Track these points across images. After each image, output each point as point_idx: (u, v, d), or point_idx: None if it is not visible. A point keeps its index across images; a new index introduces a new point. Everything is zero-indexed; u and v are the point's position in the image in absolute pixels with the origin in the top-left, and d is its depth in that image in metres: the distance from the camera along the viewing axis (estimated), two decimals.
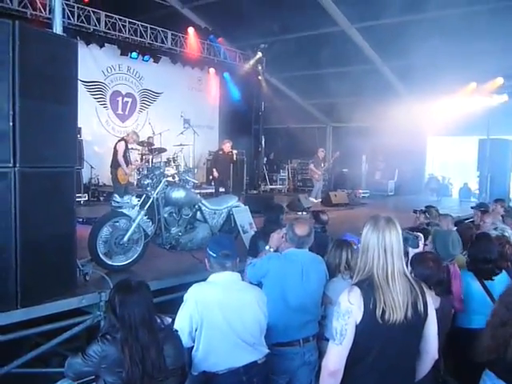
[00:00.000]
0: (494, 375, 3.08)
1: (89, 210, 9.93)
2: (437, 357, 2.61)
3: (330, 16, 13.86)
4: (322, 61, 14.89)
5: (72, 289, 4.61)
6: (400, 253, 2.46)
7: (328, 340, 2.52)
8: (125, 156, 9.33)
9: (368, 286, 2.37)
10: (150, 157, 12.52)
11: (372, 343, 2.39)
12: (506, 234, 5.61)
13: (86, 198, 12.03)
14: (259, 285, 3.64)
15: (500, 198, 8.72)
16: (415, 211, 7.05)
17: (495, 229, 5.87)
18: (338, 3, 13.52)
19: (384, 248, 2.41)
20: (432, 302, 2.56)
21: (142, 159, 12.39)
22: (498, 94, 14.28)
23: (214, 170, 12.17)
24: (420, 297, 2.44)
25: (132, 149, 12.43)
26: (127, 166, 9.34)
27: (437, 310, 2.68)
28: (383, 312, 2.32)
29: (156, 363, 2.68)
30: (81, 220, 7.71)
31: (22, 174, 4.02)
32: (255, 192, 16.27)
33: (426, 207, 7.03)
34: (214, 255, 3.24)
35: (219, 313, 3.06)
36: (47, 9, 11.10)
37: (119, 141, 9.58)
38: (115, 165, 9.39)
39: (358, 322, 2.35)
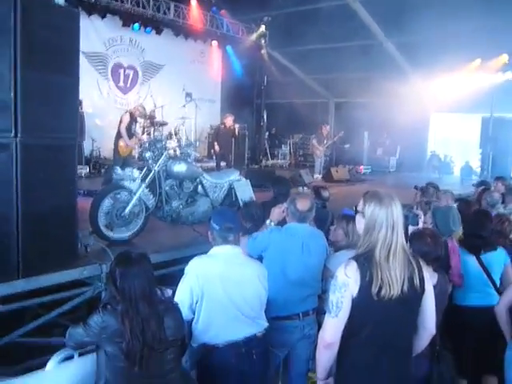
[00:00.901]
0: None
1: (90, 182, 9.95)
2: (434, 332, 2.63)
3: None
4: (326, 35, 14.69)
5: (73, 260, 4.64)
6: (402, 227, 2.47)
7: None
8: (129, 128, 9.27)
9: (365, 260, 2.38)
10: (152, 130, 12.47)
11: (367, 317, 2.41)
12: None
13: (88, 171, 12.04)
14: (259, 258, 3.66)
15: (501, 176, 8.70)
16: (416, 187, 7.07)
17: (492, 207, 5.89)
18: None
19: (392, 225, 2.41)
20: (429, 277, 2.57)
21: (143, 132, 12.32)
22: (503, 71, 14.14)
23: (216, 143, 12.13)
24: (417, 272, 2.45)
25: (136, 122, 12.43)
26: (130, 138, 9.30)
27: (434, 287, 2.70)
28: (379, 289, 2.33)
29: (156, 335, 2.71)
30: (82, 192, 7.72)
31: (24, 144, 4.02)
32: (256, 166, 16.25)
33: (427, 184, 7.04)
34: (218, 228, 3.25)
35: (220, 286, 3.08)
36: None
37: (125, 112, 9.54)
38: (117, 136, 9.39)
39: (354, 296, 2.37)
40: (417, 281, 2.44)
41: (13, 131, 3.94)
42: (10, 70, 3.86)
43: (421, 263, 2.53)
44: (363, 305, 2.37)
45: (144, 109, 9.94)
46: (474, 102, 14.34)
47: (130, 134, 9.34)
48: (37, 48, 4.07)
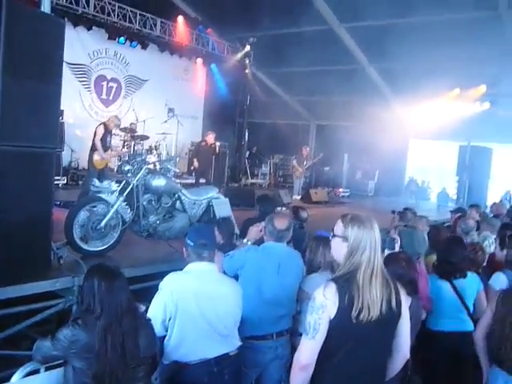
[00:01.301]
0: (506, 373, 3.15)
1: (67, 193, 9.83)
2: (408, 356, 2.63)
3: (319, 14, 13.90)
4: (310, 58, 14.88)
5: (46, 272, 4.56)
6: (380, 250, 2.49)
7: (302, 335, 2.53)
8: (103, 140, 9.12)
9: (345, 282, 2.37)
10: (132, 143, 12.42)
11: (344, 340, 2.39)
12: (489, 240, 5.70)
13: (65, 182, 11.91)
14: (235, 277, 3.64)
15: (476, 203, 8.85)
16: (393, 211, 7.14)
17: (466, 234, 5.97)
18: (328, 1, 13.56)
19: (375, 248, 2.43)
20: (406, 301, 2.58)
21: (124, 145, 12.26)
22: (481, 101, 14.47)
23: (195, 160, 12.12)
24: (394, 294, 2.46)
25: (114, 135, 12.35)
26: (106, 151, 9.16)
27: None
28: (359, 312, 2.33)
29: (132, 350, 2.67)
30: (58, 203, 7.62)
31: (1, 152, 3.96)
32: (236, 185, 16.25)
33: (404, 209, 7.12)
34: (192, 244, 3.23)
35: (194, 303, 3.05)
36: None
37: (99, 124, 9.42)
38: (92, 148, 9.28)
39: (331, 318, 2.35)
40: (394, 303, 2.44)
41: None
42: None
43: (398, 286, 2.54)
44: (340, 327, 2.35)
45: (119, 120, 9.81)
46: (452, 130, 14.63)
47: (106, 146, 9.19)
48: (20, 55, 4.04)
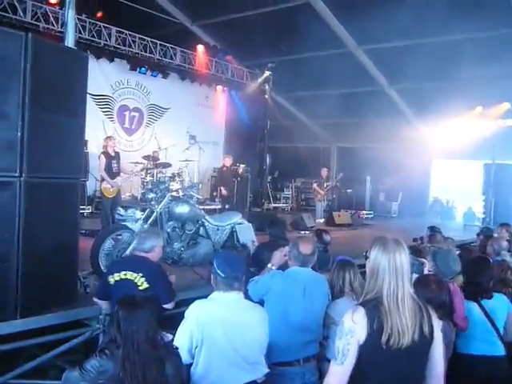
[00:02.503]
0: None
1: (92, 222, 9.92)
2: (442, 381, 2.56)
3: (337, 37, 14.01)
4: (329, 81, 14.99)
5: (72, 301, 4.60)
6: (409, 275, 2.43)
7: (329, 361, 2.49)
8: (109, 168, 9.16)
9: (373, 307, 2.33)
10: (155, 171, 12.55)
11: (374, 366, 2.34)
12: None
13: (90, 210, 12.06)
14: (261, 302, 3.61)
15: (506, 222, 8.67)
16: (415, 239, 7.06)
17: (498, 254, 5.84)
18: (346, 25, 13.67)
19: (395, 271, 2.37)
20: (438, 325, 2.52)
21: (146, 173, 12.39)
22: (504, 118, 14.31)
23: (222, 188, 12.23)
24: (426, 320, 2.40)
25: (137, 163, 12.51)
26: (113, 178, 9.21)
27: None
28: (389, 337, 2.28)
29: (157, 381, 2.65)
30: (84, 232, 7.71)
31: (28, 184, 4.04)
32: (258, 210, 16.25)
33: (429, 228, 7.03)
34: (223, 275, 3.14)
35: (220, 330, 3.03)
36: (60, 22, 11.26)
37: (100, 154, 9.46)
38: (101, 179, 9.40)
39: (360, 343, 2.31)
40: (426, 329, 2.38)
41: (17, 170, 3.97)
42: (18, 110, 3.93)
43: (430, 311, 2.48)
44: (370, 353, 2.30)
45: (112, 138, 9.84)
46: (476, 148, 14.48)
47: (112, 173, 9.21)
48: (45, 90, 4.15)
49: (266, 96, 17.28)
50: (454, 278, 4.40)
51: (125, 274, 3.93)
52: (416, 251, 4.92)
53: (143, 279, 3.91)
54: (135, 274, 3.92)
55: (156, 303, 2.93)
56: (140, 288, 3.88)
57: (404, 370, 2.37)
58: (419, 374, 2.46)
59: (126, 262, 4.31)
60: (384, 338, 2.27)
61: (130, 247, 5.38)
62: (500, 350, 4.02)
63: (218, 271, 3.17)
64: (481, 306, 4.13)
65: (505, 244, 6.10)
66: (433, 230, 7.07)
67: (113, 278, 3.97)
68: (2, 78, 3.90)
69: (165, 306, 3.99)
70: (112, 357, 2.66)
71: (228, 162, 12.65)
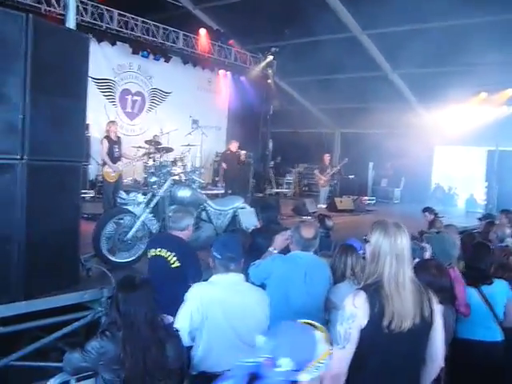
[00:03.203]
0: None
1: (94, 206, 9.93)
2: (442, 365, 2.58)
3: (341, 21, 13.88)
4: (333, 66, 14.90)
5: (74, 284, 4.62)
6: (410, 259, 2.43)
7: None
8: (111, 152, 9.15)
9: (374, 291, 2.33)
10: (158, 156, 12.53)
11: (376, 349, 2.35)
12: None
13: (92, 195, 12.05)
14: (262, 286, 3.62)
15: (507, 208, 8.65)
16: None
17: (501, 241, 5.84)
18: (350, 9, 13.54)
19: (396, 255, 2.37)
20: (438, 309, 2.52)
21: (149, 158, 12.38)
22: (508, 105, 14.22)
23: (224, 164, 12.27)
24: (427, 303, 2.40)
25: (140, 147, 12.48)
26: (115, 162, 9.21)
27: None
28: (390, 321, 2.28)
29: (158, 362, 2.67)
30: (86, 216, 7.72)
31: (30, 166, 4.03)
32: (261, 195, 16.25)
33: (425, 208, 7.18)
34: (219, 257, 3.22)
35: (221, 313, 3.04)
36: (61, 5, 11.17)
37: (103, 138, 9.44)
38: (103, 163, 9.39)
39: (362, 327, 2.32)
40: (427, 313, 2.39)
41: (19, 153, 3.96)
42: (19, 92, 3.91)
43: (431, 294, 2.48)
44: (372, 336, 2.32)
45: (116, 124, 9.83)
46: (479, 135, 14.41)
47: (114, 157, 9.21)
48: (46, 72, 4.12)
49: (269, 81, 17.17)
50: (453, 264, 4.41)
51: (160, 251, 4.23)
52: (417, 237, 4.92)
53: (175, 258, 4.15)
54: (169, 253, 4.19)
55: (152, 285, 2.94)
56: (172, 266, 4.14)
57: (405, 353, 2.38)
58: (419, 358, 2.48)
59: (163, 240, 4.55)
60: (385, 322, 2.28)
61: (132, 231, 5.40)
62: (498, 336, 4.04)
63: (215, 253, 3.24)
64: (480, 292, 4.14)
65: (508, 231, 6.10)
66: (427, 210, 7.24)
67: (149, 253, 4.36)
68: (3, 60, 3.87)
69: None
70: (113, 338, 2.68)
71: (234, 146, 12.69)
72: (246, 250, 4.44)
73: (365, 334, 2.32)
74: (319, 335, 1.74)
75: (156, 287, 3.58)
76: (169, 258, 4.17)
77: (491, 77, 12.91)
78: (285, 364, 1.56)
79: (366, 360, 2.36)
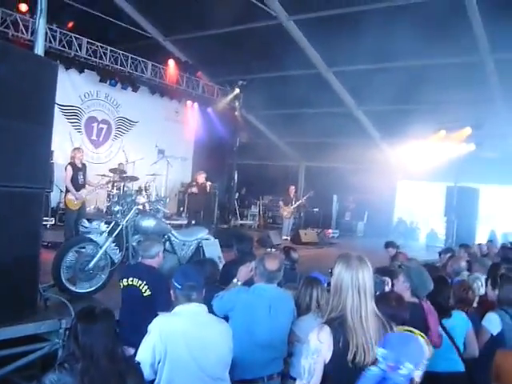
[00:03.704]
0: None
1: (55, 234, 9.71)
2: None
3: (308, 58, 14.21)
4: (299, 101, 15.21)
5: (32, 314, 4.48)
6: (372, 292, 2.45)
7: (293, 379, 2.48)
8: (75, 179, 8.99)
9: (339, 325, 2.33)
10: (122, 184, 12.41)
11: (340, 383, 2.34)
12: (478, 282, 5.66)
13: (53, 222, 11.80)
14: (226, 318, 3.59)
15: (465, 243, 8.87)
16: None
17: (457, 274, 5.95)
18: (317, 46, 13.89)
19: (358, 288, 2.38)
20: None
21: (113, 186, 12.24)
22: (467, 142, 14.71)
23: (194, 188, 12.30)
24: None
25: (104, 175, 12.33)
26: (79, 190, 9.05)
27: None
28: (355, 355, 2.28)
29: None
30: (46, 244, 7.54)
31: None
32: (225, 226, 16.21)
33: (387, 243, 7.26)
34: (180, 287, 3.17)
35: (184, 345, 2.99)
36: (30, 31, 11.11)
37: (67, 165, 9.28)
38: (66, 190, 9.21)
39: (326, 362, 2.30)
40: None
41: None
42: None
43: (394, 328, 2.50)
44: (336, 371, 2.31)
45: (80, 149, 9.68)
46: (440, 171, 14.83)
47: (78, 185, 9.03)
48: (9, 95, 4.07)
49: (236, 113, 17.35)
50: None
51: (131, 280, 4.28)
52: (381, 271, 4.96)
53: (146, 287, 4.19)
54: (140, 282, 4.24)
55: (114, 317, 2.88)
56: (144, 295, 4.17)
57: None
58: None
59: (134, 269, 4.63)
60: (350, 356, 2.27)
61: (94, 260, 5.30)
62: (460, 367, 4.09)
63: (175, 283, 3.20)
64: (441, 325, 4.19)
65: (463, 264, 6.23)
66: (389, 245, 7.39)
67: (122, 284, 4.37)
68: None
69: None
70: (71, 371, 2.58)
71: (201, 178, 12.66)
72: (214, 280, 4.42)
73: (329, 368, 2.31)
74: (421, 339, 2.24)
75: (129, 317, 3.51)
76: (140, 287, 4.21)
77: (450, 115, 13.38)
78: (407, 367, 1.89)
79: None
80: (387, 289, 4.37)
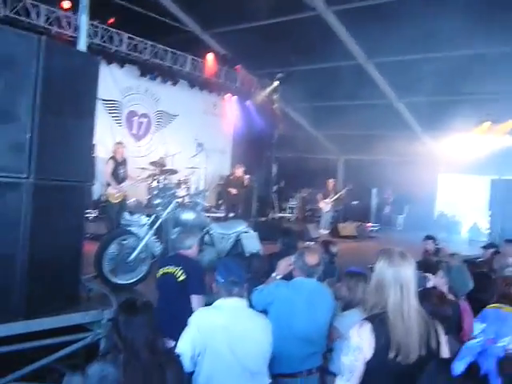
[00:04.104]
0: None
1: (97, 226, 9.92)
2: None
3: (347, 49, 14.02)
4: (338, 93, 15.00)
5: (75, 304, 4.58)
6: (414, 289, 2.39)
7: (333, 374, 2.45)
8: (115, 173, 9.19)
9: (380, 322, 2.28)
10: (162, 177, 12.54)
11: (381, 382, 2.29)
12: None
13: (95, 215, 12.05)
14: (264, 312, 3.58)
15: (510, 238, 8.60)
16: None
17: (503, 270, 5.79)
18: (356, 37, 13.68)
19: (400, 285, 2.33)
20: (445, 340, 2.47)
21: (153, 179, 12.39)
22: (511, 134, 14.26)
23: (233, 189, 12.24)
24: (433, 334, 2.35)
25: (144, 169, 12.51)
26: (120, 183, 9.23)
27: None
28: (396, 353, 2.23)
29: None
30: (88, 236, 7.70)
31: (35, 186, 4.05)
32: (264, 219, 16.20)
33: (427, 236, 7.04)
34: (222, 281, 3.20)
35: (223, 339, 3.00)
36: (72, 27, 11.35)
37: (108, 159, 9.48)
38: (107, 184, 9.42)
39: (367, 359, 2.26)
40: (434, 345, 2.34)
41: (25, 172, 3.98)
42: (28, 112, 3.94)
43: (438, 326, 2.43)
44: (377, 369, 2.26)
45: (123, 145, 9.85)
46: (483, 164, 14.44)
47: (119, 178, 9.23)
48: (56, 92, 4.16)
49: (275, 106, 17.30)
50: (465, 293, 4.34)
51: (167, 268, 4.33)
52: (422, 265, 4.87)
53: (181, 271, 4.23)
54: (176, 267, 4.29)
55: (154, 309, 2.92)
56: (178, 280, 4.21)
57: None
58: None
59: (171, 258, 4.67)
60: (391, 354, 2.22)
61: (135, 252, 5.38)
62: None
63: (218, 277, 3.23)
64: None
65: (510, 260, 6.06)
66: (429, 238, 7.24)
67: (158, 274, 4.45)
68: (14, 80, 3.91)
69: (193, 297, 4.11)
70: (114, 362, 2.64)
71: (239, 171, 12.70)
72: (262, 275, 4.44)
73: (370, 366, 2.26)
74: None
75: (165, 306, 3.56)
76: (175, 273, 4.25)
77: (495, 106, 12.98)
78: (506, 340, 1.95)
79: None
80: (429, 284, 4.28)
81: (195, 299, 4.10)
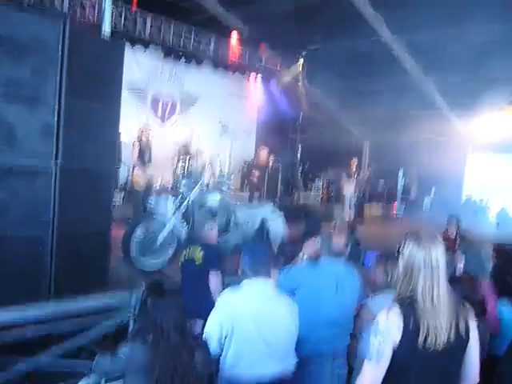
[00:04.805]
0: None
1: (123, 209, 10.01)
2: (477, 383, 2.47)
3: (373, 28, 13.73)
4: (364, 73, 14.76)
5: (104, 286, 4.65)
6: (445, 271, 2.33)
7: (361, 357, 2.43)
8: (141, 157, 9.22)
9: (409, 306, 2.24)
10: (187, 159, 12.58)
11: (410, 367, 2.25)
12: None
13: (121, 198, 12.17)
14: (291, 293, 3.58)
15: None
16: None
17: None
18: (382, 13, 13.38)
19: (431, 268, 2.27)
20: (474, 324, 2.42)
21: (178, 160, 12.44)
22: None
23: (256, 171, 12.22)
24: (463, 319, 2.31)
25: (169, 151, 12.55)
26: (145, 167, 9.25)
27: None
28: (426, 338, 2.19)
29: (188, 368, 2.65)
30: (115, 219, 7.78)
31: (63, 169, 4.10)
32: (289, 200, 16.17)
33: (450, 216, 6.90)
34: (248, 262, 3.20)
35: (250, 321, 3.01)
36: (96, 11, 11.37)
37: (134, 142, 9.51)
38: (132, 167, 9.47)
39: (396, 343, 2.23)
40: (463, 328, 2.29)
41: (53, 155, 4.02)
42: (55, 96, 3.98)
43: (469, 310, 2.38)
44: (406, 353, 2.22)
45: (148, 129, 9.86)
46: None
47: (145, 162, 9.27)
48: (82, 77, 4.19)
49: (299, 84, 17.13)
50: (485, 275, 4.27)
51: (189, 250, 4.50)
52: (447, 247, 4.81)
53: (200, 248, 4.40)
54: (196, 246, 4.46)
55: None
56: (197, 263, 4.36)
57: (439, 372, 2.28)
58: (455, 376, 2.37)
59: (191, 240, 4.88)
60: (420, 339, 2.18)
61: (161, 235, 5.43)
62: None
63: (244, 259, 3.23)
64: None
65: None
66: (452, 218, 7.11)
67: (181, 259, 4.58)
68: (40, 64, 3.94)
69: (211, 273, 4.25)
70: (143, 343, 2.67)
71: (264, 153, 12.64)
72: (288, 256, 4.46)
73: (399, 350, 2.22)
74: None
75: (189, 291, 3.59)
76: (196, 252, 4.40)
77: None
78: None
79: (399, 377, 2.27)
80: (459, 265, 4.21)
81: (213, 275, 4.24)
